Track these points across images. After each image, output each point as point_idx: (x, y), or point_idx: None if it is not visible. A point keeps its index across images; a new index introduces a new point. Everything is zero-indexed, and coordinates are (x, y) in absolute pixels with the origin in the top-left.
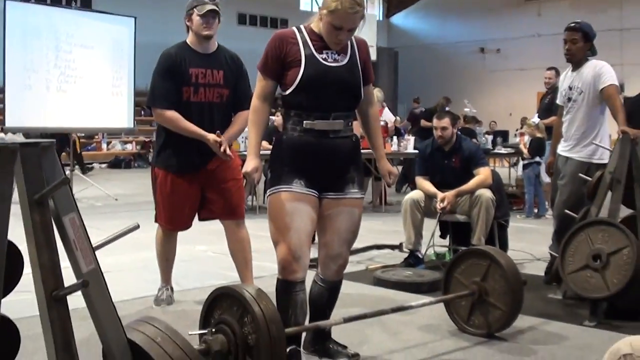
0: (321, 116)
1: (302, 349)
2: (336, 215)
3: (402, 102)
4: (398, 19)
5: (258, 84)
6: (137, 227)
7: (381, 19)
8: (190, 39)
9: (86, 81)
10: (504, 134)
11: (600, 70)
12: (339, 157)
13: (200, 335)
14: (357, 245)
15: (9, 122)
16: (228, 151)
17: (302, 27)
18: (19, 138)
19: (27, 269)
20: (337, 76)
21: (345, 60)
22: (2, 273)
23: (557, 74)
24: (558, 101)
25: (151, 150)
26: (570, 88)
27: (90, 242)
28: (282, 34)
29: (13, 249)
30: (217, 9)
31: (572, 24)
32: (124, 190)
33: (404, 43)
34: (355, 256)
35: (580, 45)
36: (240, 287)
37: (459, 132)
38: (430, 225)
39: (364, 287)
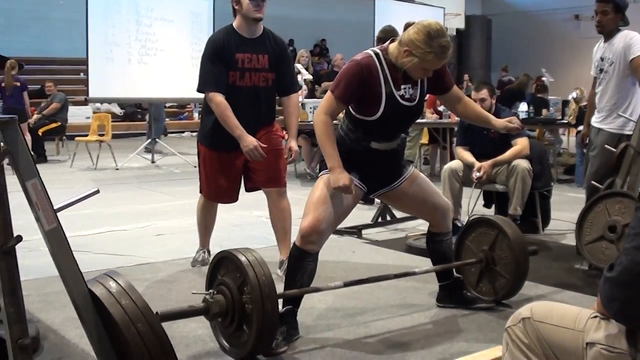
0: (387, 140)
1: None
2: (417, 187)
3: (495, 70)
4: None
5: (328, 103)
6: (97, 192)
7: None
8: (237, 22)
9: (166, 53)
10: None
11: (631, 40)
12: (394, 160)
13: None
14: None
15: (92, 93)
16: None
17: (381, 55)
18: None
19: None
20: (409, 113)
21: (417, 95)
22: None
23: None
24: (592, 72)
25: None
26: (602, 59)
27: (52, 204)
28: (366, 67)
29: None
30: None
31: None
32: None
33: (498, 10)
34: (400, 224)
35: (611, 16)
36: (244, 254)
37: (498, 104)
38: (473, 195)
39: (395, 253)
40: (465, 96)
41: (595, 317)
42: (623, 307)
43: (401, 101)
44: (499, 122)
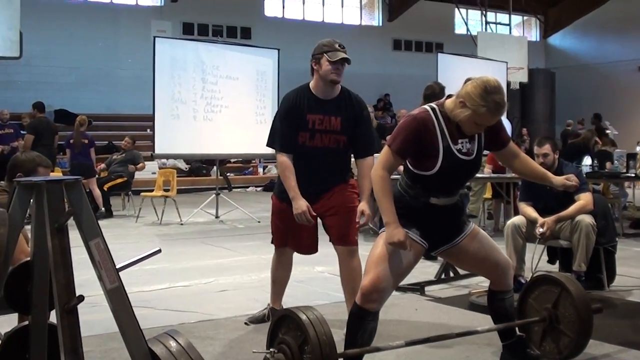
0: (446, 195)
1: None
2: (478, 243)
3: (560, 123)
4: (555, 39)
5: (386, 157)
6: (159, 251)
7: (538, 39)
8: (313, 82)
9: (231, 110)
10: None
11: None
12: (454, 216)
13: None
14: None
15: (158, 149)
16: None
17: (437, 110)
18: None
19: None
20: (468, 167)
21: (475, 149)
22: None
23: None
24: None
25: None
26: None
27: (114, 263)
28: (422, 121)
29: None
30: (348, 57)
31: None
32: (269, 212)
33: (561, 64)
34: (464, 281)
35: None
36: (304, 312)
37: (561, 158)
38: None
39: (458, 311)
40: (522, 152)
41: None
42: None
43: (459, 155)
44: (557, 180)
